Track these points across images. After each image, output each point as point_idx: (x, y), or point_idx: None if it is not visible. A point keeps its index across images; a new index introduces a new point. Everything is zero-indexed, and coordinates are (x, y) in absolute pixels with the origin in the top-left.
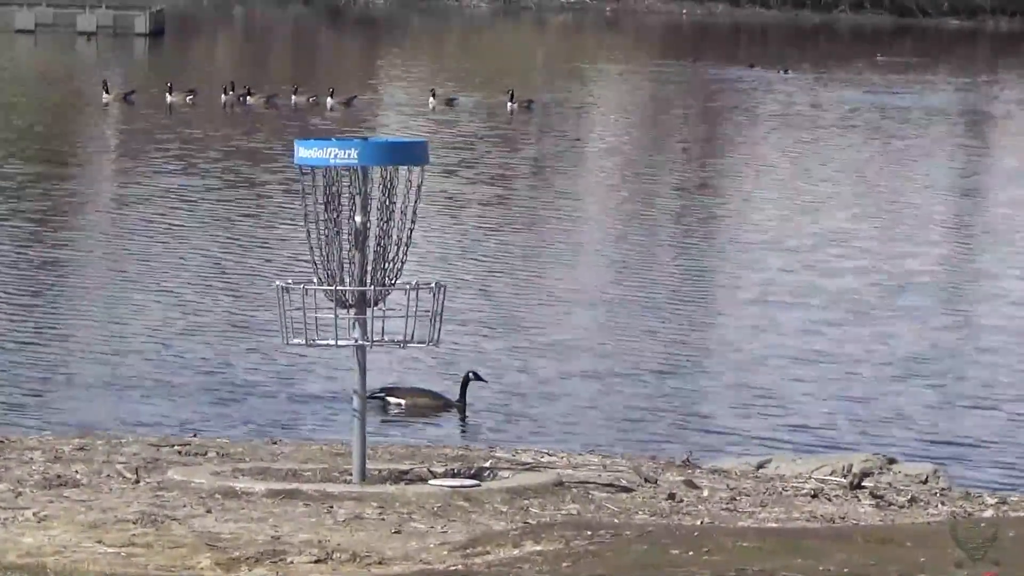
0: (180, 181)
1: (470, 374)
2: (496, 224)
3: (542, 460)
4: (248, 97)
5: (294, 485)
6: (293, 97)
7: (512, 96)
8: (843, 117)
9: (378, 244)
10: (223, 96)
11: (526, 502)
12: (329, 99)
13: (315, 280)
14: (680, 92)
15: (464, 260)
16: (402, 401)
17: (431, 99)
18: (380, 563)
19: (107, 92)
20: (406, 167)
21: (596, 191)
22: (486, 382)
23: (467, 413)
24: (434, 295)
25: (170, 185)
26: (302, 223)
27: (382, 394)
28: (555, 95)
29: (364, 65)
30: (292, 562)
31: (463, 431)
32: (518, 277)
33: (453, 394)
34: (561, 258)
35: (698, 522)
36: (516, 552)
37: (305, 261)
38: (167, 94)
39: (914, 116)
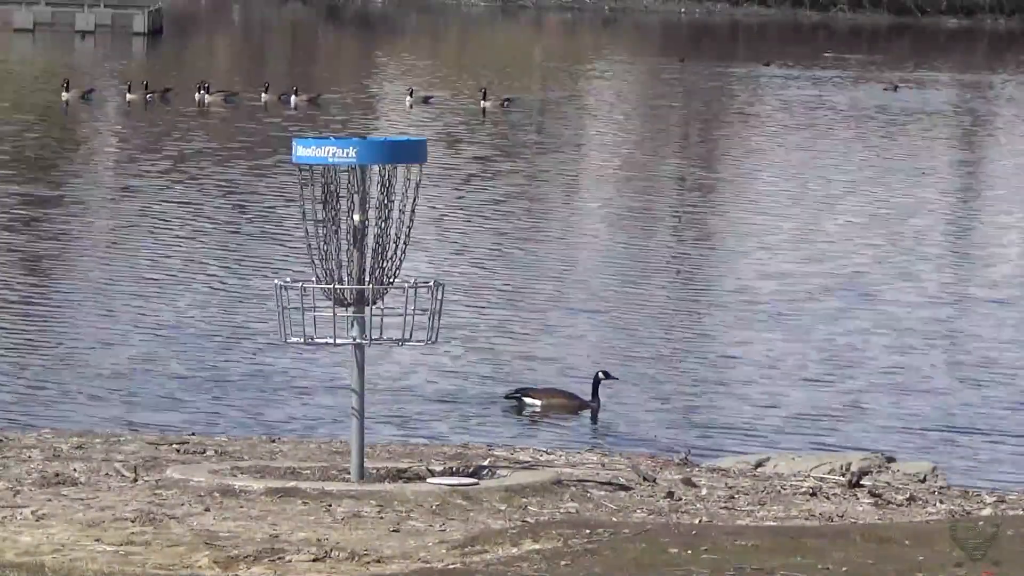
0: (135, 182)
1: (600, 374)
2: (464, 223)
3: (540, 458)
4: (206, 95)
5: (292, 483)
6: (264, 95)
7: (485, 95)
8: (806, 114)
9: (376, 242)
10: (197, 95)
11: (524, 500)
12: (293, 97)
13: (313, 278)
14: (660, 90)
15: (451, 259)
16: (538, 402)
17: (408, 97)
18: (378, 561)
19: (66, 91)
20: (404, 165)
21: (565, 189)
22: (617, 379)
23: (600, 413)
24: (432, 294)
25: (143, 185)
26: (300, 221)
27: (518, 395)
28: (535, 94)
29: (353, 63)
30: (290, 560)
31: (595, 430)
32: (513, 277)
33: (586, 394)
34: (556, 256)
35: (696, 521)
36: (515, 550)
37: (304, 259)
38: (126, 92)
39: (857, 112)
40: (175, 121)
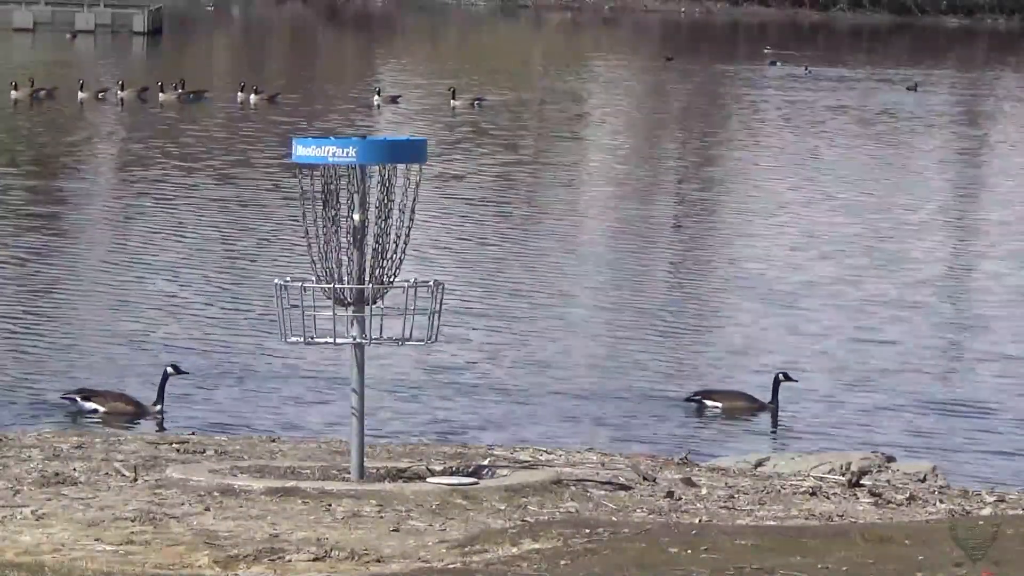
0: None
1: (780, 375)
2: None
3: (540, 458)
4: (160, 93)
5: (292, 483)
6: (240, 94)
7: (454, 94)
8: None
9: (376, 242)
10: (160, 94)
11: (524, 500)
12: (253, 95)
13: (313, 278)
14: (646, 89)
15: (440, 258)
16: (719, 404)
17: (376, 97)
18: (378, 561)
19: (15, 89)
20: (404, 165)
21: (541, 188)
22: (796, 381)
23: (779, 416)
24: (432, 293)
25: (121, 185)
26: (300, 221)
27: (698, 397)
28: (513, 94)
29: (342, 63)
30: (290, 560)
31: (774, 433)
32: (513, 276)
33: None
34: (554, 256)
35: (696, 520)
36: (514, 550)
37: (303, 258)
38: (79, 91)
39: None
40: (120, 120)
